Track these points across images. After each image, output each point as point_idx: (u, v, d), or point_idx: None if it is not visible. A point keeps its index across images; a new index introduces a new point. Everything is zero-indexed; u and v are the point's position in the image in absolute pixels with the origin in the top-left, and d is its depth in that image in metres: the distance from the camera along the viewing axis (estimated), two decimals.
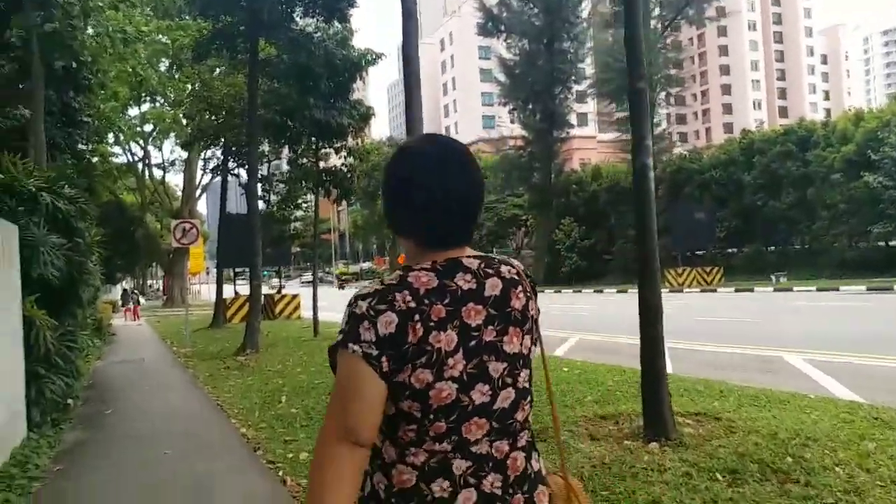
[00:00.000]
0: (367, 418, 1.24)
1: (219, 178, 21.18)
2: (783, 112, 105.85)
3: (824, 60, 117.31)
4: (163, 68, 37.79)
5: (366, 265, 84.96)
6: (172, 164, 45.27)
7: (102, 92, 24.64)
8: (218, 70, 18.30)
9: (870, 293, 21.75)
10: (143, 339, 19.17)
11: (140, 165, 42.89)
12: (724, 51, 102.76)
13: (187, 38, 26.98)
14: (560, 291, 36.68)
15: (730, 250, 36.26)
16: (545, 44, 42.21)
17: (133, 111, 38.76)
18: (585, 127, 66.65)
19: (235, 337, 16.88)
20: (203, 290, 57.63)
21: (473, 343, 1.26)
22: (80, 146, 18.64)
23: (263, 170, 19.58)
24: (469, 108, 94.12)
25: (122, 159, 40.13)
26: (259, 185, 19.58)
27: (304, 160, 16.22)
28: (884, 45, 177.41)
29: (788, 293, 24.35)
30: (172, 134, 40.08)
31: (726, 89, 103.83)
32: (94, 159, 24.86)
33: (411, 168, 1.36)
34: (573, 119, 46.25)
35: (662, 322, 5.59)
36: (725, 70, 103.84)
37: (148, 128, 40.53)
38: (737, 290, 27.43)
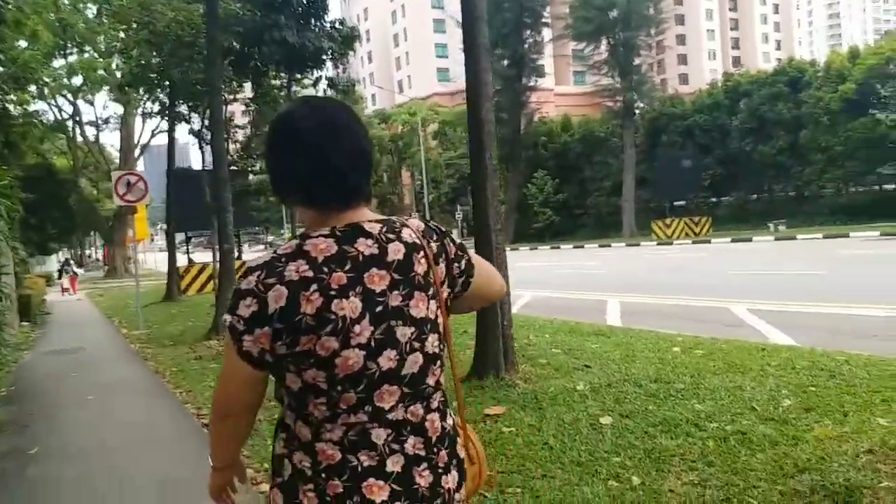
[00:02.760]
0: (231, 389, 1.32)
1: (158, 137, 18.00)
2: (736, 62, 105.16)
3: (776, 10, 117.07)
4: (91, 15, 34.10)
5: None
6: (106, 121, 41.16)
7: (20, 31, 21.10)
8: None
9: (886, 238, 20.18)
10: (83, 317, 16.21)
11: (70, 123, 38.71)
12: (678, 0, 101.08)
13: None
14: (536, 248, 34.64)
15: (714, 199, 34.61)
16: None
17: (59, 63, 34.69)
18: (541, 79, 64.50)
19: (195, 312, 14.21)
20: (147, 259, 53.78)
21: (380, 308, 1.25)
22: None
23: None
24: (422, 60, 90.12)
25: (49, 117, 36.01)
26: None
27: (271, 96, 13.29)
28: None
29: (793, 242, 22.71)
30: (105, 87, 36.10)
31: (681, 39, 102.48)
32: (12, 108, 21.34)
33: (298, 133, 1.30)
34: (547, 65, 43.80)
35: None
36: (680, 20, 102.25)
37: (77, 81, 36.37)
38: (733, 241, 25.72)
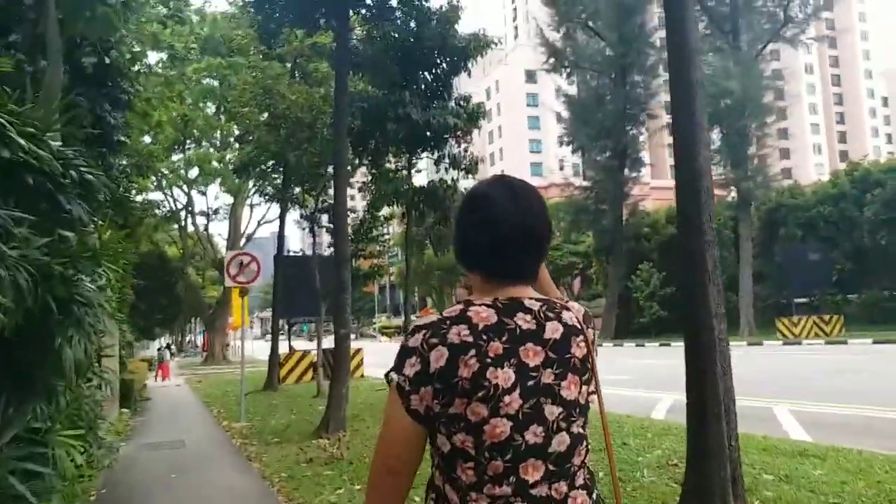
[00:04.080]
0: (396, 448, 1.34)
1: (262, 229, 17.81)
2: (843, 156, 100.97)
3: (885, 103, 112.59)
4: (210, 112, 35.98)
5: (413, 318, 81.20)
6: (216, 211, 42.66)
7: (146, 122, 21.99)
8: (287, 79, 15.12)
9: None
10: (183, 405, 15.59)
11: (183, 213, 40.34)
12: (779, 94, 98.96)
13: (235, 76, 24.24)
14: (643, 345, 32.38)
15: (841, 296, 31.55)
16: (615, 76, 39.07)
17: (177, 156, 36.51)
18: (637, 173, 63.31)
19: (297, 404, 13.27)
20: (240, 345, 54.12)
21: (531, 383, 1.29)
22: (113, 173, 15.45)
23: (329, 196, 16.13)
24: (516, 155, 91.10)
25: (164, 209, 37.65)
26: (324, 215, 16.26)
27: (394, 174, 12.64)
28: None
29: None
30: (218, 179, 37.58)
31: (782, 133, 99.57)
32: (135, 195, 21.96)
33: (483, 203, 1.41)
34: (645, 157, 42.91)
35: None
36: (781, 114, 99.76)
37: (193, 173, 38.08)
38: (875, 342, 22.88)
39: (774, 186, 34.86)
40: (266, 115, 14.20)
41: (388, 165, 13.24)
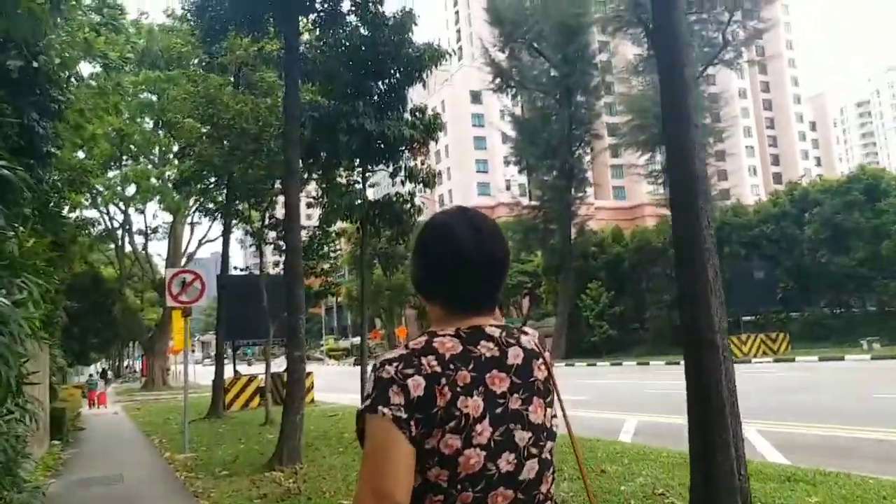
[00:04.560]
0: (401, 480, 1.24)
1: (203, 249, 16.94)
2: (777, 178, 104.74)
3: (813, 127, 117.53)
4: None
5: (356, 340, 79.75)
6: (155, 230, 41.08)
7: (79, 134, 20.89)
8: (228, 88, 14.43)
9: None
10: (120, 435, 14.56)
11: (119, 232, 38.65)
12: (715, 117, 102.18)
13: (174, 89, 23.41)
14: (595, 364, 32.43)
15: (787, 314, 32.21)
16: (560, 97, 39.47)
17: (113, 172, 35.03)
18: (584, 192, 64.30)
19: (245, 432, 12.52)
20: (181, 370, 52.25)
21: (500, 410, 1.28)
22: (43, 187, 14.46)
23: (276, 211, 15.45)
24: (464, 175, 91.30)
25: (100, 227, 35.95)
26: (272, 232, 15.58)
27: (346, 188, 12.08)
28: (858, 117, 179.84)
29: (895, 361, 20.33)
30: (157, 197, 36.17)
31: (720, 155, 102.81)
32: (67, 212, 20.76)
33: (446, 236, 1.39)
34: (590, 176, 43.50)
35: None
36: (719, 136, 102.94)
37: (130, 191, 36.59)
38: (821, 359, 23.34)
39: (718, 206, 35.62)
40: (208, 126, 13.49)
41: (339, 179, 12.68)
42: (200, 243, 41.47)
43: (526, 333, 1.42)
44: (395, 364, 1.27)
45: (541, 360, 1.39)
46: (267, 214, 14.97)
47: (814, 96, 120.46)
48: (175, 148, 26.92)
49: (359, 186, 11.97)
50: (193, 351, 39.29)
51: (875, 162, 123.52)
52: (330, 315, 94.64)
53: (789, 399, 12.72)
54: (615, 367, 29.37)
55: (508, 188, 70.72)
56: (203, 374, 33.99)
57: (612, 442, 8.53)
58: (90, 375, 31.75)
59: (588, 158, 42.68)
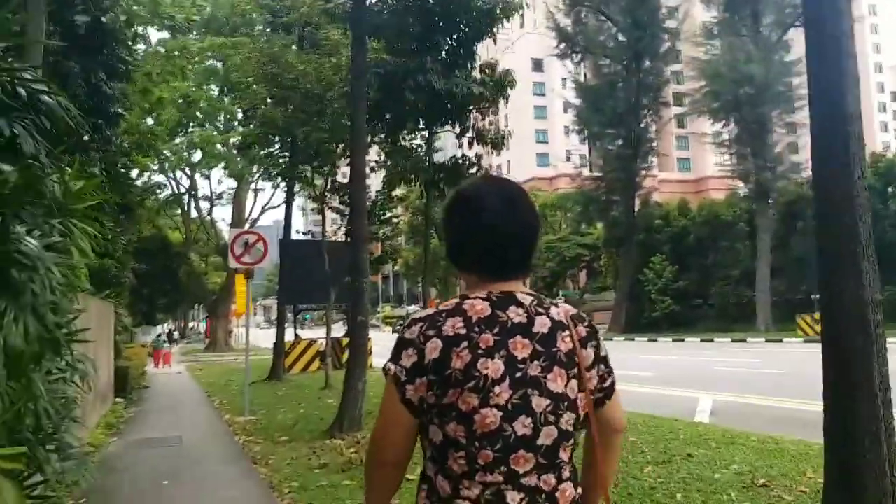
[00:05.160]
0: (389, 437, 1.40)
1: (269, 216, 16.80)
2: None
3: (894, 98, 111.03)
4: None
5: (413, 308, 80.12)
6: (220, 196, 41.75)
7: (147, 98, 21.03)
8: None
9: None
10: (182, 395, 14.72)
11: (185, 197, 39.43)
12: (788, 87, 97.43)
13: (239, 56, 23.22)
14: (656, 340, 31.50)
15: None
16: (628, 63, 37.99)
17: (180, 138, 35.57)
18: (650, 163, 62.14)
19: (305, 396, 12.41)
20: (243, 333, 53.21)
21: (519, 375, 1.32)
22: (111, 149, 14.52)
23: (339, 176, 15.14)
24: (523, 145, 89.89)
25: (167, 192, 36.72)
26: (335, 196, 15.30)
27: (412, 151, 11.63)
28: None
29: None
30: (221, 164, 36.63)
31: (791, 127, 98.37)
32: (136, 176, 21.07)
33: (475, 206, 1.44)
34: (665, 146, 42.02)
35: None
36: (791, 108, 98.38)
37: (196, 157, 37.17)
38: None
39: (793, 178, 33.87)
40: (272, 87, 13.22)
41: (403, 142, 12.24)
42: (263, 210, 42.07)
43: (557, 306, 1.44)
44: (419, 324, 1.35)
45: (567, 333, 1.39)
46: (329, 178, 14.70)
47: None
48: (239, 115, 27.01)
49: (424, 148, 11.51)
50: (255, 314, 40.07)
51: None
52: (386, 283, 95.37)
53: None
54: (678, 343, 28.44)
55: (568, 159, 69.30)
56: (263, 338, 34.50)
57: (692, 423, 7.96)
58: (157, 336, 32.58)
59: (654, 128, 41.00)
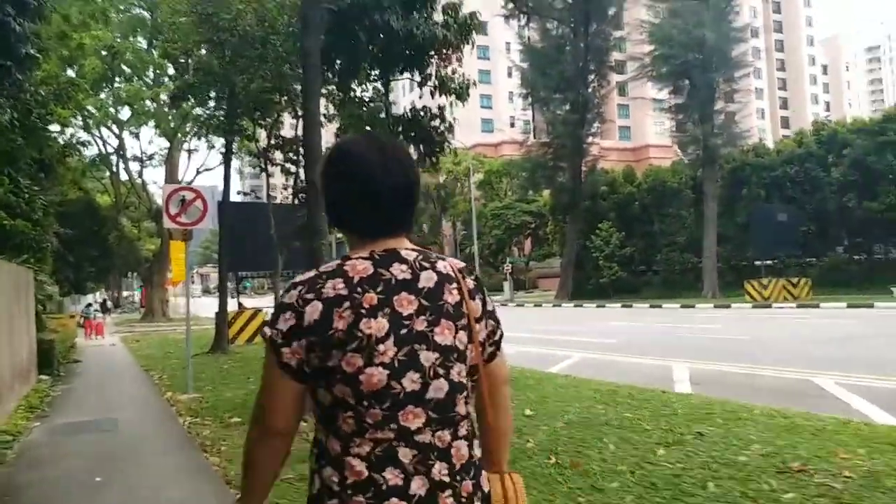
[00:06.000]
0: (271, 403, 1.35)
1: (205, 178, 15.48)
2: (785, 122, 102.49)
3: (825, 71, 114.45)
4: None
5: None
6: (151, 157, 39.42)
7: (66, 44, 19.20)
8: None
9: None
10: (117, 370, 13.52)
11: (114, 158, 37.03)
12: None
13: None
14: (604, 306, 31.52)
15: (807, 259, 31.12)
16: (576, 25, 37.39)
17: (105, 94, 33.18)
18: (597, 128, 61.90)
19: (252, 368, 11.50)
20: (182, 302, 51.28)
21: (405, 331, 1.29)
22: (25, 97, 13.02)
23: (282, 130, 13.99)
24: (466, 110, 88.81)
25: (93, 152, 34.24)
26: (278, 152, 14.18)
27: (366, 100, 10.62)
28: (867, 63, 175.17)
29: None
30: (151, 122, 34.46)
31: (728, 97, 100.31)
32: (56, 131, 19.27)
33: (350, 163, 1.40)
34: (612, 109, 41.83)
35: None
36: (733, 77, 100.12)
37: (124, 115, 34.83)
38: (849, 306, 22.36)
39: (740, 144, 34.14)
40: (206, 27, 11.90)
41: (356, 93, 11.21)
42: (199, 172, 40.00)
43: (444, 259, 1.42)
44: (298, 288, 1.32)
45: (454, 285, 1.38)
46: (273, 133, 13.53)
47: (827, 38, 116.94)
48: (171, 70, 25.12)
49: (382, 97, 10.53)
50: (193, 283, 38.28)
51: (881, 111, 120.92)
52: (341, 248, 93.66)
53: (847, 348, 11.65)
54: (627, 310, 28.45)
55: (513, 125, 68.70)
56: (203, 307, 32.97)
57: (682, 395, 7.43)
58: (87, 305, 30.73)
59: (602, 93, 40.68)
